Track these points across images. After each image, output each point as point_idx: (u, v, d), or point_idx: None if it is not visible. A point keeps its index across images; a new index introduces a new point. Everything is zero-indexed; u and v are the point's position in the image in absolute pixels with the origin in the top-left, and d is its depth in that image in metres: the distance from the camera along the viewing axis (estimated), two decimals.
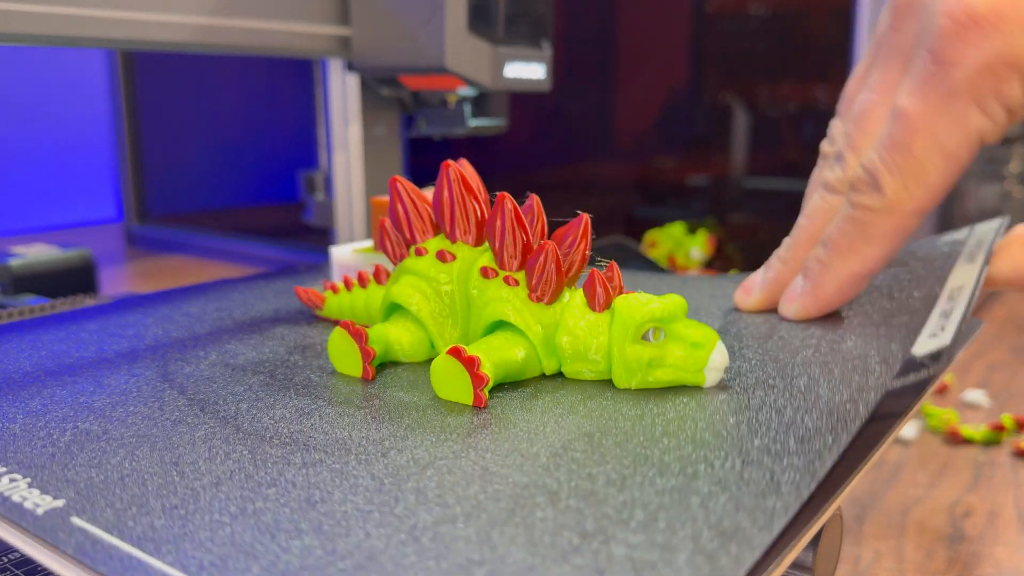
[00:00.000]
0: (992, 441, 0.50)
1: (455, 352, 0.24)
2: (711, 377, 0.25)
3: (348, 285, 0.32)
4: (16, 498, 0.18)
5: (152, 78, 1.18)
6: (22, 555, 0.26)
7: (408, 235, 0.29)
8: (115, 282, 0.96)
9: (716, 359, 0.24)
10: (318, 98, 0.58)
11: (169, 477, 0.20)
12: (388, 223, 0.29)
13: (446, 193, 0.27)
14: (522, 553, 0.16)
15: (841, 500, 0.20)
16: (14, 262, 0.52)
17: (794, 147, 0.87)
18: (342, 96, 0.54)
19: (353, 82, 0.53)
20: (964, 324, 0.24)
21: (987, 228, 0.31)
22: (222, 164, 1.23)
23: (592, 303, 0.26)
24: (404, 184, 0.29)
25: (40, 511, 0.18)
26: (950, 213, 0.71)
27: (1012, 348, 0.68)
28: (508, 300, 0.26)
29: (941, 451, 0.49)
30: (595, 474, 0.19)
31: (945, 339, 0.23)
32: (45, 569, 0.23)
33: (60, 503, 0.18)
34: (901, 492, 0.44)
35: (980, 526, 0.40)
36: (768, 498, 0.17)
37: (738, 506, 0.17)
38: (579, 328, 0.26)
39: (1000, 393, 0.58)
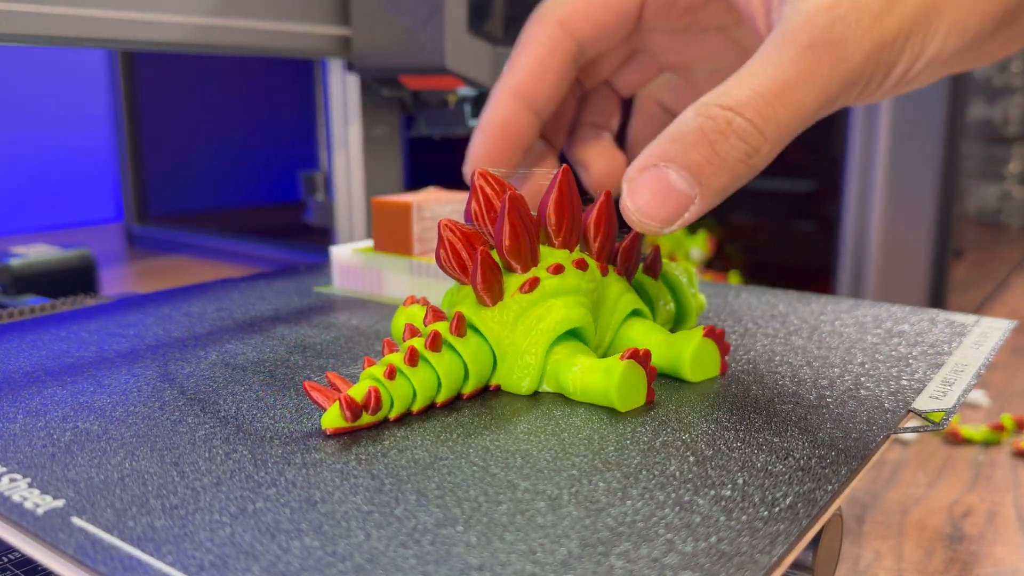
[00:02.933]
0: (991, 441, 0.50)
1: (635, 355, 0.23)
2: None
3: (392, 373, 0.23)
4: (16, 498, 0.19)
5: (152, 78, 1.18)
6: (22, 555, 0.26)
7: (526, 258, 0.25)
8: (115, 282, 0.96)
9: None
10: (318, 98, 0.58)
11: (169, 477, 0.20)
12: (486, 253, 0.24)
13: (557, 196, 0.25)
14: (522, 561, 0.16)
15: (841, 500, 0.20)
16: (15, 262, 0.52)
17: (793, 147, 0.86)
18: (342, 96, 0.54)
19: (353, 82, 0.53)
20: (965, 395, 0.25)
21: (996, 325, 0.32)
22: (222, 164, 1.23)
23: (653, 272, 0.29)
24: (517, 201, 0.25)
25: (40, 511, 0.18)
26: (950, 213, 0.71)
27: (1011, 348, 0.68)
28: (630, 289, 0.27)
29: (941, 451, 0.49)
30: (596, 482, 0.19)
31: (947, 403, 0.24)
32: (45, 569, 0.23)
33: (60, 503, 0.18)
34: (901, 492, 0.44)
35: (979, 526, 0.40)
36: (769, 522, 0.17)
37: (739, 527, 0.17)
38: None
39: (1000, 393, 0.59)
